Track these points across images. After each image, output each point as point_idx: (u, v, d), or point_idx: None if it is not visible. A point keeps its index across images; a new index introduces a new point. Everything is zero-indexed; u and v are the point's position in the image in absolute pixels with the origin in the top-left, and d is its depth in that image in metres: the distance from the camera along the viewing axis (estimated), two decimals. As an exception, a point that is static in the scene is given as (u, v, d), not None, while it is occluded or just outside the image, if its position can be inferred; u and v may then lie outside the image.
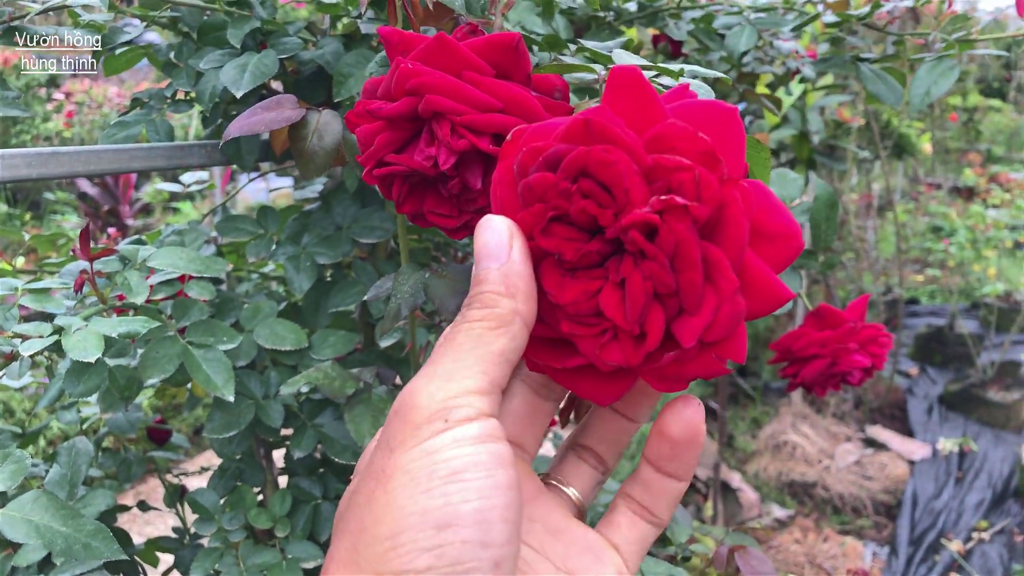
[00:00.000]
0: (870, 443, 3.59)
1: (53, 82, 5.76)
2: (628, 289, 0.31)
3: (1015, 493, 3.25)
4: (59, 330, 0.57)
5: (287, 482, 0.73)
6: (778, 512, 3.23)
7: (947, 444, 3.50)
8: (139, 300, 0.62)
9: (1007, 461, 3.39)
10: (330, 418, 0.69)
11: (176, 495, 1.06)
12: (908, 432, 3.70)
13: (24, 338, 0.58)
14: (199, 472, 1.06)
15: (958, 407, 3.82)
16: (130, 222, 4.80)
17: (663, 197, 0.29)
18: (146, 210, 5.16)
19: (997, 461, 3.41)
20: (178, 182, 1.02)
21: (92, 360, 0.55)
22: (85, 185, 5.02)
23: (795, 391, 3.78)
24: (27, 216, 4.70)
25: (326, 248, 0.73)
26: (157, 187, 1.03)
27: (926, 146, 4.79)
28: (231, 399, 0.61)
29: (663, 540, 0.71)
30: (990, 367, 3.91)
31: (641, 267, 0.31)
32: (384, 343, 0.71)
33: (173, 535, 1.00)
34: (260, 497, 0.73)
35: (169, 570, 1.02)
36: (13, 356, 0.57)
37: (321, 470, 0.73)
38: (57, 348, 0.56)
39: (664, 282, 0.30)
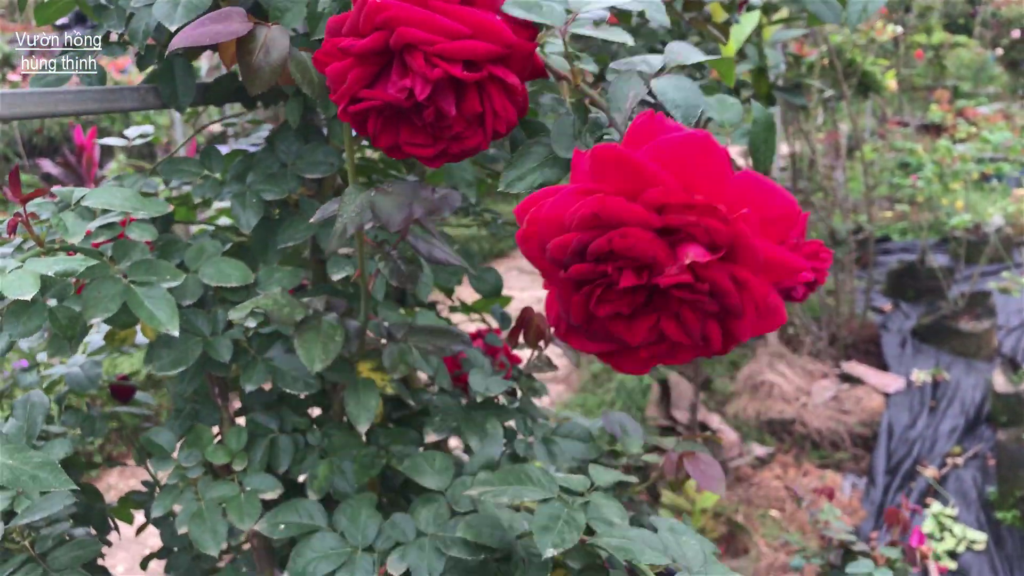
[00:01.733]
0: (846, 378, 3.65)
1: (7, 62, 5.64)
2: (684, 319, 0.38)
3: (987, 419, 3.32)
4: (-7, 271, 0.57)
5: (245, 420, 0.73)
6: (758, 450, 3.29)
7: (921, 375, 3.57)
8: (75, 240, 0.61)
9: (979, 388, 3.46)
10: (280, 351, 0.69)
11: (145, 452, 1.06)
12: (883, 366, 3.76)
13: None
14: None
15: (931, 339, 3.88)
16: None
17: (687, 262, 0.36)
18: (112, 188, 5.08)
19: (969, 389, 3.48)
20: (123, 136, 1.01)
21: (28, 298, 0.55)
22: (48, 166, 4.94)
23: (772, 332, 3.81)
24: (-9, 201, 4.62)
25: (271, 185, 0.73)
26: (98, 142, 1.01)
27: (891, 83, 4.80)
28: (176, 334, 0.61)
29: (615, 453, 0.72)
30: (961, 299, 3.97)
31: (690, 302, 0.38)
32: (335, 277, 0.71)
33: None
34: (218, 437, 0.74)
35: (144, 526, 1.03)
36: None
37: (277, 406, 0.74)
38: (-8, 289, 0.56)
39: (711, 310, 0.38)
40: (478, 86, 0.47)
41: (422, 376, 0.90)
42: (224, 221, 1.07)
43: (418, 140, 0.49)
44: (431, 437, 0.68)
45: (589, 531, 0.54)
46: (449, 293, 1.07)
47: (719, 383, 3.66)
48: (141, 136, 1.00)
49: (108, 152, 5.77)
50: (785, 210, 0.39)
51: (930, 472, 3.05)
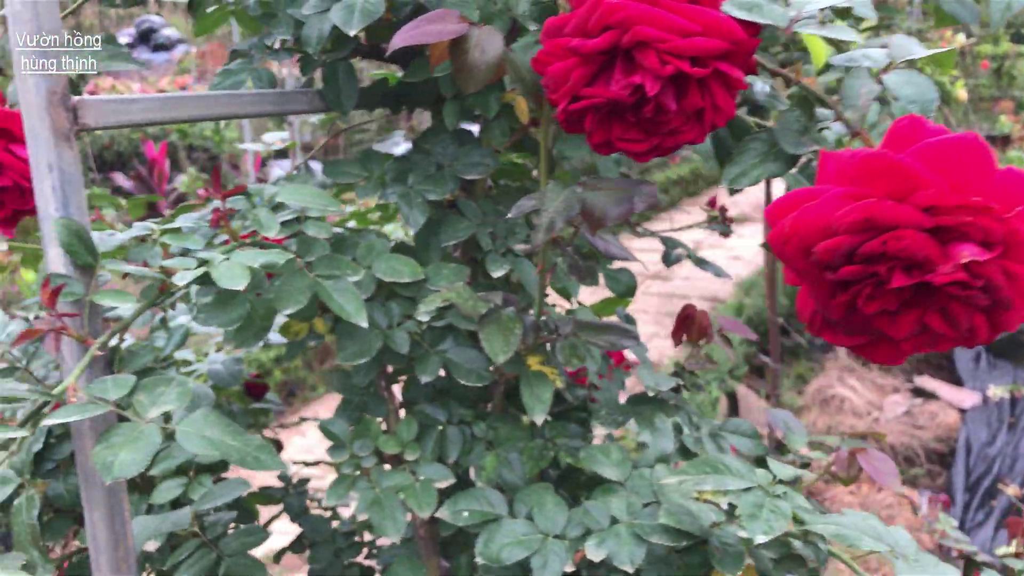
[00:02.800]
0: (919, 393, 3.58)
1: (81, 79, 5.83)
2: (950, 313, 0.40)
3: (1069, 436, 3.22)
4: (203, 263, 0.60)
5: (410, 411, 0.75)
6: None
7: (997, 391, 3.48)
8: (271, 234, 0.64)
9: (1060, 405, 3.37)
10: (451, 344, 0.71)
11: (278, 447, 1.09)
12: (956, 381, 3.68)
13: (170, 273, 0.60)
14: (298, 423, 1.09)
15: (1006, 354, 3.78)
16: (167, 213, 4.88)
17: (964, 260, 0.38)
18: (180, 200, 5.24)
19: (1049, 405, 3.38)
20: (261, 142, 1.05)
21: (242, 287, 0.57)
22: (120, 179, 5.11)
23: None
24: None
25: (433, 185, 0.75)
26: (244, 147, 1.05)
27: (962, 93, 4.72)
28: (364, 325, 0.63)
29: (781, 448, 0.72)
30: (1037, 312, 3.87)
31: (960, 298, 0.40)
32: (495, 274, 0.73)
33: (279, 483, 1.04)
34: (383, 428, 0.76)
35: (275, 516, 1.06)
36: (166, 288, 0.60)
37: (443, 398, 0.76)
38: (204, 280, 0.59)
39: (980, 304, 0.40)
40: (699, 82, 0.49)
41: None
42: (351, 225, 1.10)
43: (631, 136, 0.51)
44: (599, 430, 0.69)
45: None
46: (568, 296, 1.08)
47: (787, 397, 3.62)
48: (280, 142, 1.04)
49: (175, 167, 5.93)
50: None
51: (1012, 490, 2.96)
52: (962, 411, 3.43)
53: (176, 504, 0.82)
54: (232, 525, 0.86)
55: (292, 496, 1.01)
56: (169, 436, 0.54)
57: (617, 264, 0.94)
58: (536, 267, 0.76)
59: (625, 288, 0.93)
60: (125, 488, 0.61)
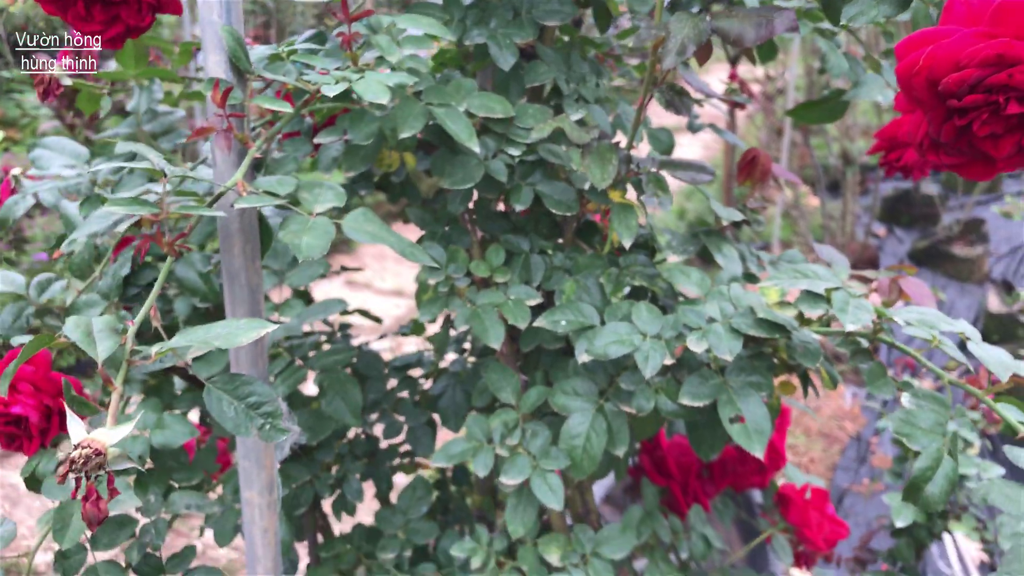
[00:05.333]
0: (848, 296, 3.82)
1: None
2: None
3: (981, 336, 3.51)
4: (341, 80, 0.64)
5: (494, 241, 0.81)
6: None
7: (918, 295, 3.74)
8: (394, 59, 0.68)
9: (972, 309, 3.65)
10: (540, 177, 0.77)
11: (306, 298, 1.14)
12: (881, 286, 3.93)
13: (306, 88, 0.64)
14: (339, 271, 1.13)
15: (926, 262, 4.06)
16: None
17: None
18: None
19: (963, 309, 3.66)
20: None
21: (384, 101, 0.62)
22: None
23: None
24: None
25: (516, 29, 0.80)
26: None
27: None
28: (477, 150, 0.69)
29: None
30: (955, 225, 4.14)
31: None
32: (574, 117, 0.79)
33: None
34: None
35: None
36: (316, 96, 0.63)
37: (523, 230, 0.82)
38: (344, 96, 0.63)
39: None
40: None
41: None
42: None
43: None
44: (672, 258, 0.77)
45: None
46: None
47: (726, 297, 3.81)
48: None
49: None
50: None
51: (927, 384, 3.25)
52: (886, 313, 3.68)
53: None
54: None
55: (340, 341, 1.07)
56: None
57: (656, 123, 1.00)
58: (608, 112, 0.82)
59: (666, 147, 1.00)
60: (263, 288, 0.66)
